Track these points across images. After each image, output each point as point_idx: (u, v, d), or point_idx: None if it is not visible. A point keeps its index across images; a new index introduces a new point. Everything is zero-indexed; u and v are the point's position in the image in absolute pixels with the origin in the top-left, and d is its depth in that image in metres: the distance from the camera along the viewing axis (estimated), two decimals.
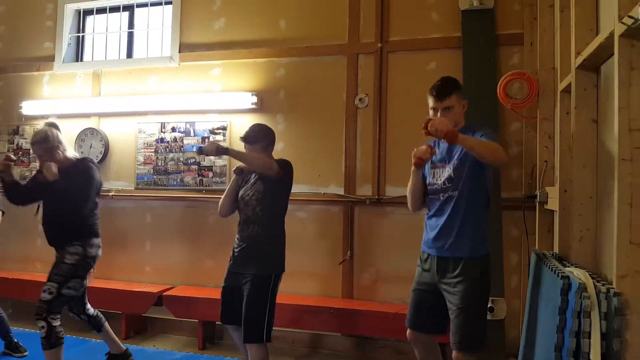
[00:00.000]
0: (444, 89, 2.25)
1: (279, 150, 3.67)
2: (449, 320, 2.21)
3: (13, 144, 4.53)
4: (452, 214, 2.23)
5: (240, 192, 2.76)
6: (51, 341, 2.65)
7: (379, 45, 3.62)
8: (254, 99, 3.82)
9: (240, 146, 2.85)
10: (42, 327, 2.64)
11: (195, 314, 3.64)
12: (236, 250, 2.73)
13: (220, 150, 2.59)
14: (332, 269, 3.62)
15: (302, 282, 3.62)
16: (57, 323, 2.68)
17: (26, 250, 4.42)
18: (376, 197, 3.55)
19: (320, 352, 3.60)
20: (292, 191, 2.79)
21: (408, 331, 2.37)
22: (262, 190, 2.66)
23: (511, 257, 3.28)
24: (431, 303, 2.28)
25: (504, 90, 3.01)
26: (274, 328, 2.62)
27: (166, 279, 3.99)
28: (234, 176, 2.82)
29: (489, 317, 2.65)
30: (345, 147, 3.66)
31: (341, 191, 3.64)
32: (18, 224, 4.24)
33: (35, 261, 4.37)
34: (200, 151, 2.60)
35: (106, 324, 3.08)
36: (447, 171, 2.25)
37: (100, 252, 2.90)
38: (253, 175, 2.73)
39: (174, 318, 3.76)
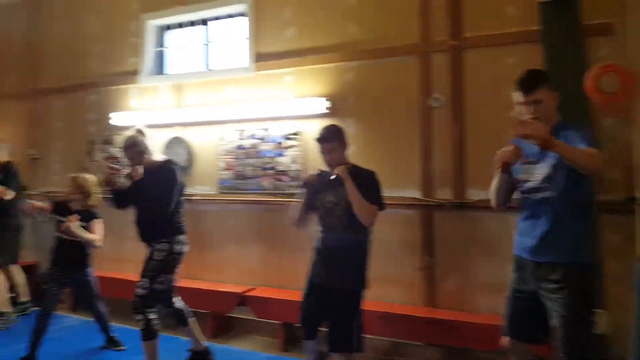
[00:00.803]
0: (530, 81, 2.12)
1: (351, 155, 3.71)
2: (549, 329, 2.10)
3: (106, 152, 4.97)
4: (549, 216, 2.09)
5: (322, 199, 2.77)
6: (149, 333, 2.93)
7: (453, 42, 3.55)
8: (328, 104, 3.90)
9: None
10: (140, 320, 2.93)
11: (276, 315, 3.82)
12: (320, 258, 2.75)
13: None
14: (412, 275, 3.63)
15: (380, 288, 3.63)
16: (153, 316, 2.95)
17: (119, 251, 4.84)
18: (457, 201, 3.49)
19: None
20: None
21: (506, 340, 2.27)
22: (345, 196, 2.65)
23: (611, 265, 3.05)
24: (530, 310, 2.16)
25: (594, 84, 2.83)
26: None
27: (247, 280, 4.23)
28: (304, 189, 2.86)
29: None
30: (421, 149, 3.64)
31: (417, 195, 3.63)
32: (111, 227, 4.66)
33: (126, 261, 4.79)
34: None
35: (191, 319, 3.31)
36: (543, 169, 2.10)
37: (186, 248, 3.13)
38: (337, 181, 2.69)
39: (257, 319, 3.96)
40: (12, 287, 4.51)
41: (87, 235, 3.48)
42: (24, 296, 4.58)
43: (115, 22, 5.07)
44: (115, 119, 4.87)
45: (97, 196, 3.67)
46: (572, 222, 2.08)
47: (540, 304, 2.12)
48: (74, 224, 3.39)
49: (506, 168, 2.07)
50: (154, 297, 2.98)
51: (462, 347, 3.31)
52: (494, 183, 2.25)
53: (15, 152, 5.42)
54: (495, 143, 2.26)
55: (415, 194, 3.64)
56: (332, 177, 2.69)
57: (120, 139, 3.23)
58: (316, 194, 2.80)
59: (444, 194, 3.56)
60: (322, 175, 2.80)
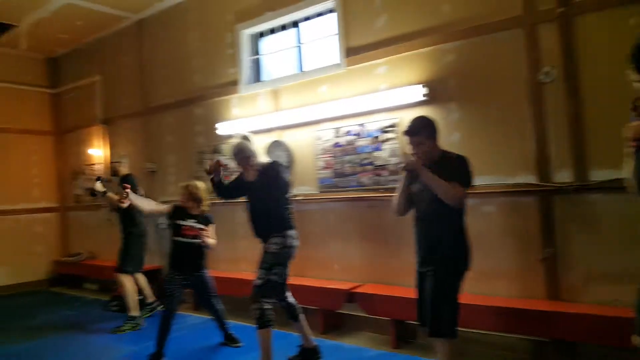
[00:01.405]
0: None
1: (456, 142, 3.60)
2: None
3: (215, 160, 5.33)
4: None
5: (414, 189, 2.79)
6: (262, 321, 3.09)
7: (561, 9, 3.26)
8: (425, 91, 3.80)
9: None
10: (256, 308, 3.11)
11: (386, 312, 3.82)
12: (419, 249, 2.79)
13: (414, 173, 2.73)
14: (529, 267, 3.40)
15: (493, 282, 3.50)
16: (268, 306, 3.11)
17: (233, 252, 5.17)
18: (579, 183, 3.19)
19: (523, 357, 3.38)
20: (473, 184, 2.75)
21: (635, 338, 2.02)
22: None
23: None
24: None
25: None
26: (472, 330, 2.57)
27: (354, 277, 4.29)
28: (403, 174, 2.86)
29: None
30: (534, 129, 3.38)
31: (533, 180, 3.38)
32: (223, 229, 4.99)
33: (240, 261, 5.09)
34: (405, 166, 2.76)
35: (302, 315, 3.45)
36: None
37: (296, 242, 3.31)
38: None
39: (367, 315, 3.98)
40: (139, 291, 5.01)
41: (211, 241, 3.83)
42: (150, 298, 5.10)
43: (211, 36, 5.46)
44: (221, 128, 5.22)
45: (208, 202, 3.99)
46: None
47: None
48: (204, 234, 3.75)
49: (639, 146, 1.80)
50: (269, 287, 3.15)
51: (589, 342, 3.04)
52: (629, 165, 1.92)
53: (134, 166, 6.09)
54: (618, 116, 2.08)
55: (530, 179, 3.40)
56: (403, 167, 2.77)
57: (227, 147, 3.49)
58: (410, 182, 2.83)
59: (563, 177, 3.28)
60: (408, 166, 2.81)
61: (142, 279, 5.07)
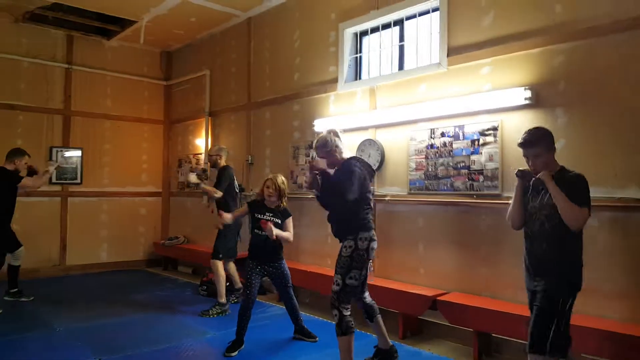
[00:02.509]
0: None
1: (560, 149, 3.59)
2: None
3: (309, 156, 5.77)
4: None
5: (529, 205, 2.84)
6: (342, 328, 3.30)
7: None
8: (527, 94, 3.87)
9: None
10: (335, 315, 3.33)
11: (470, 323, 3.92)
12: (527, 266, 2.85)
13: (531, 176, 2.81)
14: (637, 289, 3.32)
15: (598, 303, 3.43)
16: (347, 312, 3.31)
17: (319, 247, 5.54)
18: None
19: None
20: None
21: None
22: (553, 204, 2.68)
23: None
24: None
25: None
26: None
27: (439, 283, 4.44)
28: (516, 180, 2.91)
29: None
30: None
31: None
32: (313, 223, 5.38)
33: (326, 257, 5.45)
34: (522, 175, 2.85)
35: (379, 316, 3.64)
36: None
37: (373, 245, 3.43)
38: (541, 186, 2.76)
39: (449, 324, 4.12)
40: (227, 278, 5.56)
41: (282, 234, 4.07)
42: (237, 284, 5.63)
43: (314, 35, 5.93)
44: (317, 125, 5.64)
45: (288, 196, 4.30)
46: None
47: None
48: (271, 226, 3.98)
49: None
50: (347, 292, 3.33)
51: None
52: None
53: (236, 158, 6.75)
54: None
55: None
56: (534, 179, 2.77)
57: (315, 140, 3.73)
58: (525, 194, 2.88)
59: None
60: (525, 174, 2.87)
61: (232, 267, 5.60)
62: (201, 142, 7.89)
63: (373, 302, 3.68)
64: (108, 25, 7.60)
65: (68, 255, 7.67)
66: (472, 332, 3.91)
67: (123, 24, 7.46)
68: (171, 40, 8.19)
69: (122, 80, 8.26)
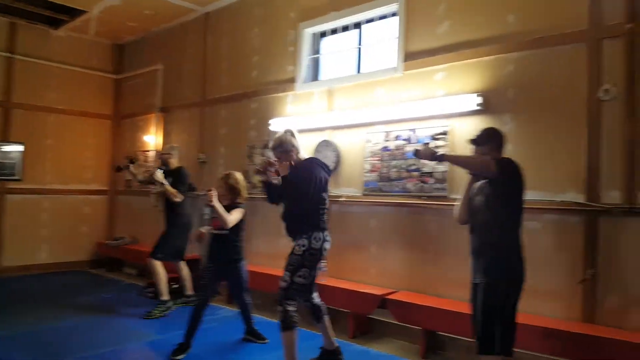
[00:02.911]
0: None
1: (506, 154, 3.84)
2: None
3: (264, 156, 5.85)
4: None
5: (474, 200, 3.06)
6: (285, 323, 3.37)
7: (630, 25, 3.50)
8: (479, 100, 4.12)
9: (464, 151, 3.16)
10: (280, 310, 3.40)
11: (417, 321, 4.12)
12: (471, 260, 3.04)
13: (436, 157, 2.97)
14: (570, 288, 3.62)
15: (533, 301, 3.67)
16: (291, 308, 3.38)
17: (272, 248, 5.62)
18: (628, 205, 3.39)
19: None
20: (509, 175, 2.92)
21: None
22: (489, 193, 2.90)
23: None
24: None
25: None
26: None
27: (390, 283, 4.63)
28: (468, 178, 3.13)
29: None
30: (587, 147, 3.63)
31: (580, 198, 3.61)
32: (266, 224, 5.46)
33: (279, 258, 5.50)
34: (417, 153, 3.02)
35: (326, 317, 3.74)
36: None
37: (326, 245, 3.51)
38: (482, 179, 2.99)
39: (397, 323, 4.31)
40: (179, 280, 5.54)
41: (220, 209, 3.91)
42: (189, 290, 5.56)
43: (274, 33, 6.06)
44: (274, 124, 5.75)
45: (245, 195, 4.29)
46: None
47: None
48: (212, 194, 3.86)
49: None
50: (294, 289, 3.40)
51: None
52: None
53: (188, 156, 6.74)
54: None
55: (578, 197, 3.63)
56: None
57: (271, 141, 3.75)
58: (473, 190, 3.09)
59: (612, 198, 3.50)
60: (421, 153, 3.04)
61: (185, 269, 5.54)
62: (151, 139, 7.82)
63: (321, 303, 3.76)
64: (57, 15, 7.42)
65: (4, 256, 7.40)
66: (420, 330, 4.10)
67: (73, 13, 7.31)
68: (124, 32, 8.10)
69: (68, 72, 8.07)
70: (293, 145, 3.57)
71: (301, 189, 3.40)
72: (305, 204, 3.45)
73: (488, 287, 2.83)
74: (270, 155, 3.75)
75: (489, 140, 3.02)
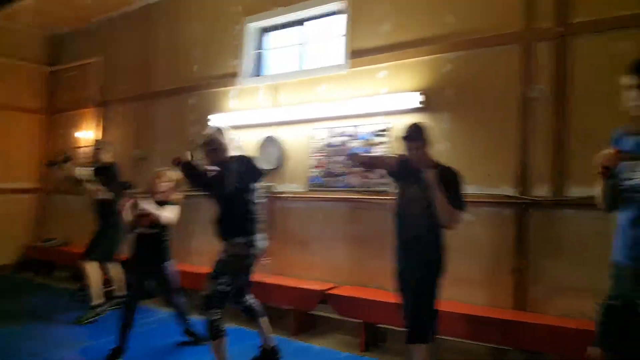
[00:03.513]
0: None
1: (445, 151, 4.11)
2: None
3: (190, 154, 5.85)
4: None
5: (406, 188, 3.23)
6: (212, 333, 3.32)
7: (560, 29, 3.80)
8: (421, 98, 4.35)
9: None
10: (205, 320, 3.35)
11: (356, 314, 4.29)
12: (397, 247, 3.25)
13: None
14: (502, 277, 3.89)
15: (468, 290, 3.94)
16: (216, 317, 3.27)
17: (211, 247, 5.56)
18: (555, 198, 3.68)
19: None
20: None
21: (597, 351, 2.32)
22: (429, 193, 3.05)
23: None
24: (623, 321, 2.22)
25: None
26: (446, 338, 2.95)
27: (334, 278, 4.78)
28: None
29: None
30: (519, 143, 3.91)
31: (512, 192, 3.91)
32: (205, 221, 5.45)
33: (216, 255, 5.52)
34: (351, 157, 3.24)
35: (262, 318, 3.74)
36: None
37: (252, 250, 3.41)
38: (420, 174, 3.08)
39: (339, 317, 4.45)
40: (108, 282, 5.39)
41: (147, 207, 3.92)
42: (120, 291, 5.37)
43: (217, 26, 6.10)
44: (214, 120, 5.77)
45: (181, 193, 4.28)
46: None
47: (636, 315, 2.16)
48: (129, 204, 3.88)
49: (607, 173, 2.16)
50: (215, 297, 3.30)
51: (551, 352, 3.50)
52: (599, 188, 2.35)
53: (123, 153, 6.64)
54: (603, 138, 2.41)
55: (509, 191, 3.91)
56: (421, 173, 3.10)
57: (201, 138, 3.66)
58: (400, 179, 3.28)
59: (541, 191, 3.79)
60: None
61: (116, 270, 5.41)
62: (87, 135, 7.64)
63: (256, 303, 3.76)
64: None
65: None
66: (360, 324, 4.25)
67: (4, 0, 7.08)
68: (61, 22, 7.88)
69: None
70: (221, 144, 3.49)
71: (224, 191, 3.35)
72: (228, 206, 3.42)
73: (425, 276, 3.05)
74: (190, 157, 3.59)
75: (421, 135, 3.18)
